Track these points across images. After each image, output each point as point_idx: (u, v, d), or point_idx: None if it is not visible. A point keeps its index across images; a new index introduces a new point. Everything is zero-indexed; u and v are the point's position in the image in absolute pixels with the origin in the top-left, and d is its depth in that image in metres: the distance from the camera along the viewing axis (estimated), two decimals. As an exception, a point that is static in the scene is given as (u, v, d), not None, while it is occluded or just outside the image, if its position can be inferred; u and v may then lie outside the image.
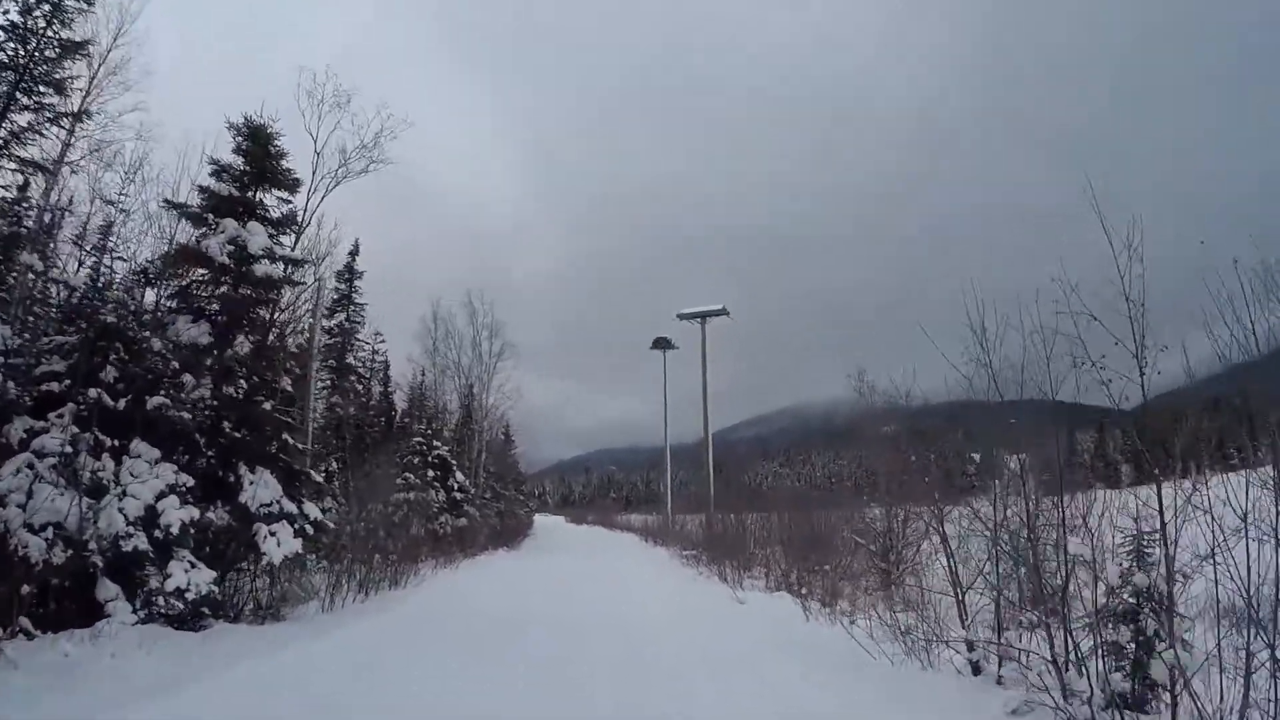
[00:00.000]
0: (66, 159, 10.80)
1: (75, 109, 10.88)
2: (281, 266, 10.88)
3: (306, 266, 10.93)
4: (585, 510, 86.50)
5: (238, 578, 9.47)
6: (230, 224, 10.63)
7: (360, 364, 27.68)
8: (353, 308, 27.03)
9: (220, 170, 10.97)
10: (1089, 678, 5.20)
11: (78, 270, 10.75)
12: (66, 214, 10.87)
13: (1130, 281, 5.17)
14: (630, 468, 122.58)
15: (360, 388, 27.83)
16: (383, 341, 28.67)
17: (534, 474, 77.61)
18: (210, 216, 10.72)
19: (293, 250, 11.43)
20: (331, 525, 9.58)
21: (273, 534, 8.50)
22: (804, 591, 11.45)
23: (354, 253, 26.77)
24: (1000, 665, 6.47)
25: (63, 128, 10.57)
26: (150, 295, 10.78)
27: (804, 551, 15.53)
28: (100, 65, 11.61)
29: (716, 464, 29.18)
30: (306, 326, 16.41)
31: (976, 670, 6.62)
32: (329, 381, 26.40)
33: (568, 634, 8.27)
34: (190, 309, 10.29)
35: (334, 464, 21.41)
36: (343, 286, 26.67)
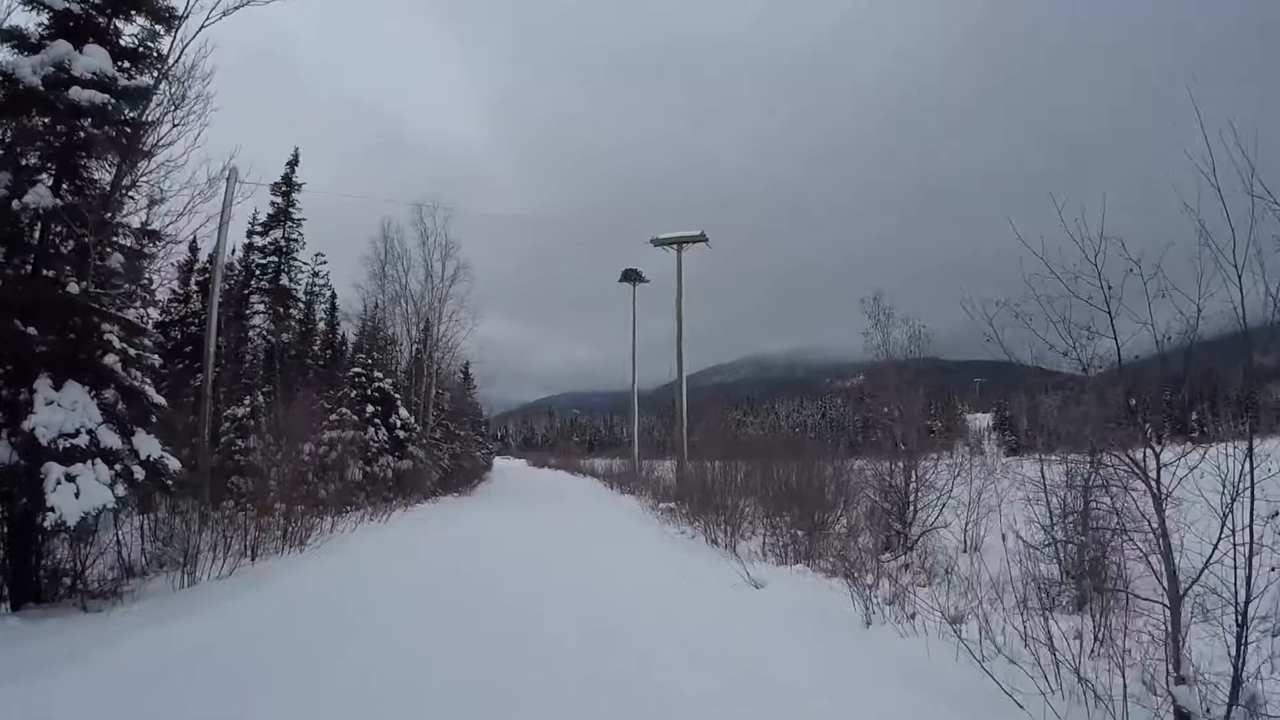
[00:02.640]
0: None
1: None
2: (126, 108, 7.70)
3: (160, 92, 7.69)
4: (547, 453, 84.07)
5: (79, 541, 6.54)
6: (62, 45, 7.73)
7: (298, 286, 24.47)
8: (289, 224, 23.80)
9: (63, -21, 7.87)
10: None
11: None
12: None
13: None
14: (594, 411, 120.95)
15: (297, 314, 24.70)
16: (324, 263, 25.34)
17: (497, 416, 75.19)
18: (43, 40, 7.76)
19: (154, 85, 8.15)
20: (176, 469, 6.56)
21: (71, 479, 5.50)
22: (861, 577, 8.45)
23: (293, 163, 23.59)
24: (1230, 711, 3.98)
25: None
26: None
27: (807, 509, 13.17)
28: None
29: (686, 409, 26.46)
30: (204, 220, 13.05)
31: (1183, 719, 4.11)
32: (264, 307, 23.31)
33: (523, 660, 5.27)
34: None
35: (260, 398, 18.44)
36: (279, 200, 23.42)
